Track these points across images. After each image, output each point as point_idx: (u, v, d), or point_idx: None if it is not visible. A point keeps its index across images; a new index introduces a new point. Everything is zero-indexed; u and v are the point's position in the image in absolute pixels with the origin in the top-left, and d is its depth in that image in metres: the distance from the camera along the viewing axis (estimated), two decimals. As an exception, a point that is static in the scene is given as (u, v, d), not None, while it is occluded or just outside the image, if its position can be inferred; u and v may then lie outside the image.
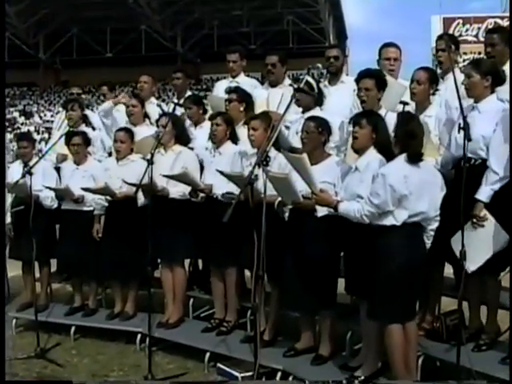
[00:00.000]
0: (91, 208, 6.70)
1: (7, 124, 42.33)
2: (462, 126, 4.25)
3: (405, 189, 4.35)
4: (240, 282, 6.12)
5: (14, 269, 8.05)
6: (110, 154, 7.20)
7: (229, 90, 6.23)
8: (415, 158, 4.45)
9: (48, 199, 6.88)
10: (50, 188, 6.76)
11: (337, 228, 4.86)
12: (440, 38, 6.05)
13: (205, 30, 45.56)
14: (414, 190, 4.38)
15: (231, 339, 5.78)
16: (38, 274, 7.17)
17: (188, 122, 6.66)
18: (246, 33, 45.70)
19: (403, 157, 4.45)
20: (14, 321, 7.01)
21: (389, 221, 4.41)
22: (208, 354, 5.62)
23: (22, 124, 43.14)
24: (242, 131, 5.95)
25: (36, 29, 45.68)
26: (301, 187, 4.85)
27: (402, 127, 4.51)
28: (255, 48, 42.51)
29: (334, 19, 47.07)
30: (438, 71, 5.76)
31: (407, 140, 4.45)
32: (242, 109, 6.11)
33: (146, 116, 6.97)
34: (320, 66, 5.25)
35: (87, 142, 6.90)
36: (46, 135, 35.58)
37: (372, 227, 4.48)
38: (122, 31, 44.38)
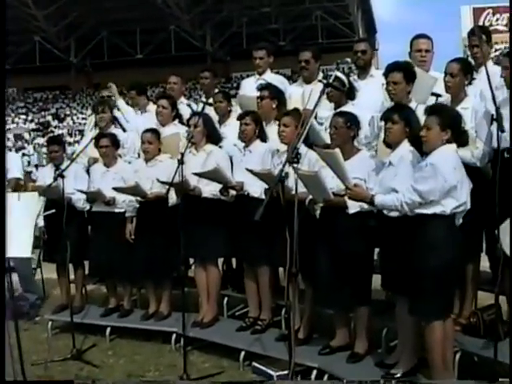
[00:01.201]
0: (122, 210, 6.74)
1: (41, 128, 42.92)
2: (494, 117, 4.19)
3: (454, 179, 4.34)
4: (273, 280, 6.12)
5: (48, 271, 8.17)
6: (139, 155, 7.24)
7: (260, 87, 6.21)
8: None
9: (80, 201, 6.93)
10: (82, 191, 6.81)
11: (370, 224, 4.84)
12: (472, 33, 5.94)
13: (233, 28, 45.62)
14: (460, 181, 4.38)
15: (266, 338, 5.78)
16: (72, 276, 7.18)
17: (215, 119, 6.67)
18: (274, 29, 45.69)
19: (451, 147, 4.43)
20: (50, 323, 7.05)
21: (437, 209, 4.37)
22: (243, 353, 5.62)
23: (55, 127, 43.66)
24: (273, 128, 5.94)
25: (66, 32, 46.17)
26: (331, 184, 4.84)
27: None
28: (285, 44, 42.47)
29: (362, 13, 46.80)
30: (473, 62, 5.68)
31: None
32: (274, 106, 6.10)
33: (178, 116, 6.97)
34: (349, 60, 5.21)
35: (116, 143, 6.94)
36: (79, 138, 35.95)
37: (413, 218, 4.43)
38: (152, 32, 44.67)
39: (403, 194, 4.40)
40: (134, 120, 7.55)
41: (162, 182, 5.97)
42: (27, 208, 4.10)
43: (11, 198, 4.36)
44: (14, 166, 8.08)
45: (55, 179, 6.36)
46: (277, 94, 6.17)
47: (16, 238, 3.74)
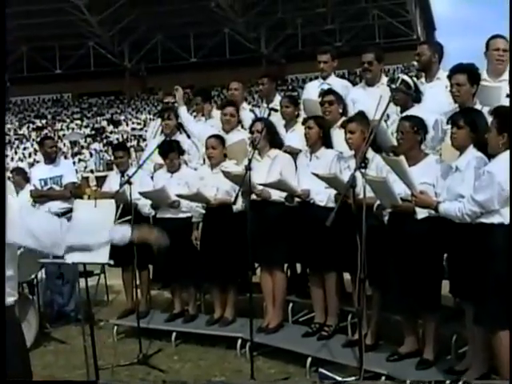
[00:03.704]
0: (187, 215, 6.86)
1: (96, 133, 43.71)
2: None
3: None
4: (339, 285, 6.18)
5: (111, 276, 8.38)
6: (204, 161, 7.36)
7: (323, 93, 6.30)
8: None
9: (146, 207, 7.09)
10: (146, 193, 6.88)
11: (439, 229, 4.86)
12: None
13: (289, 30, 45.74)
14: None
15: (332, 344, 5.82)
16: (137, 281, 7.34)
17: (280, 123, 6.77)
18: (330, 30, 45.65)
19: (507, 153, 4.39)
20: (115, 328, 7.20)
21: (496, 219, 4.37)
22: (310, 359, 5.65)
23: (110, 133, 44.33)
24: (337, 133, 6.04)
25: (120, 37, 46.96)
26: (399, 190, 4.87)
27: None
28: (341, 45, 42.34)
29: (420, 10, 46.32)
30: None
31: None
32: (340, 110, 6.20)
33: (239, 122, 7.11)
34: (415, 63, 5.24)
35: (181, 150, 7.07)
36: (135, 143, 36.50)
37: (477, 227, 4.45)
38: (206, 35, 45.10)
39: (464, 205, 4.42)
40: (195, 128, 7.67)
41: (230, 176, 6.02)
42: (104, 215, 4.29)
43: (87, 205, 4.57)
44: (69, 172, 8.34)
45: (121, 186, 6.54)
46: (341, 99, 6.28)
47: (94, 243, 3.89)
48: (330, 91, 6.33)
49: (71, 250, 3.26)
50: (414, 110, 5.58)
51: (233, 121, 7.04)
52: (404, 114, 5.49)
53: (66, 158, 35.76)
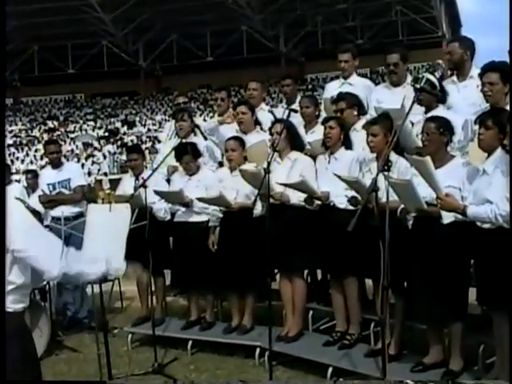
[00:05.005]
0: (203, 219, 6.87)
1: (110, 135, 43.88)
2: None
3: None
4: (361, 292, 6.17)
5: (126, 282, 8.40)
6: (220, 164, 7.41)
7: (333, 101, 6.37)
8: None
9: (161, 211, 7.09)
10: (162, 193, 6.90)
11: (466, 235, 4.84)
12: None
13: (308, 27, 45.74)
14: None
15: (354, 353, 5.80)
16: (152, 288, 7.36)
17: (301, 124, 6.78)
18: (351, 27, 45.58)
19: None
20: (130, 336, 7.21)
21: None
22: (331, 369, 5.64)
23: (124, 134, 44.49)
24: (355, 135, 6.07)
25: (134, 36, 47.14)
26: (424, 193, 4.85)
27: None
28: (363, 43, 42.28)
29: (445, 6, 46.10)
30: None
31: None
32: (355, 113, 6.23)
33: (258, 123, 7.11)
34: (441, 62, 5.20)
35: (197, 153, 7.06)
36: (150, 144, 36.62)
37: (505, 232, 4.41)
38: (223, 34, 45.17)
39: (497, 206, 4.39)
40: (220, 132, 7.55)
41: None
42: (119, 219, 4.31)
43: (102, 209, 4.59)
44: (76, 175, 8.37)
45: (135, 189, 6.56)
46: (354, 101, 6.32)
47: (109, 249, 3.92)
48: (340, 98, 6.35)
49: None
50: (440, 111, 5.57)
51: (245, 119, 7.03)
52: (429, 115, 5.47)
53: (78, 160, 36.00)
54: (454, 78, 6.21)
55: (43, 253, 3.15)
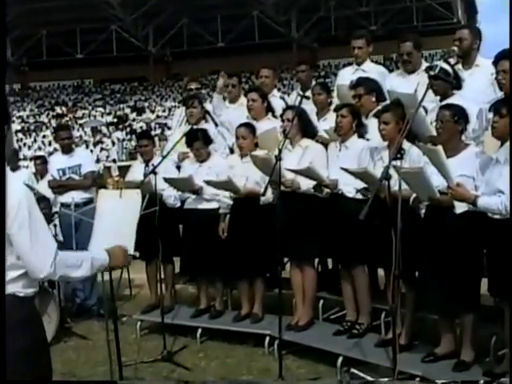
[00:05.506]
0: (213, 206, 6.90)
1: (119, 121, 43.89)
2: None
3: None
4: (372, 282, 6.19)
5: (134, 270, 8.43)
6: (231, 151, 7.43)
7: (352, 86, 6.34)
8: None
9: (171, 198, 7.14)
10: (171, 179, 6.92)
11: (478, 225, 4.84)
12: None
13: (321, 13, 45.50)
14: None
15: (364, 343, 5.83)
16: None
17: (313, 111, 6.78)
18: (365, 13, 45.33)
19: None
20: (139, 323, 7.27)
21: None
22: (341, 358, 5.65)
23: (133, 120, 44.46)
24: (371, 122, 6.04)
25: (144, 21, 46.98)
26: (437, 182, 4.85)
27: None
28: (376, 29, 42.09)
29: (461, -9, 45.80)
30: None
31: None
32: (373, 99, 6.20)
33: (270, 110, 7.12)
34: (455, 49, 5.21)
35: (208, 139, 7.09)
36: (159, 131, 36.62)
37: None
38: (234, 19, 45.04)
39: (507, 197, 4.39)
40: (227, 116, 7.66)
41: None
42: (130, 205, 4.34)
43: (113, 194, 4.62)
44: (87, 161, 8.44)
45: (145, 176, 6.60)
46: (373, 86, 6.27)
47: (119, 235, 3.95)
48: (359, 83, 6.32)
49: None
50: (456, 99, 5.55)
51: (256, 106, 7.03)
52: (444, 103, 5.46)
53: (87, 146, 36.02)
54: (460, 65, 6.21)
55: (37, 249, 3.07)
